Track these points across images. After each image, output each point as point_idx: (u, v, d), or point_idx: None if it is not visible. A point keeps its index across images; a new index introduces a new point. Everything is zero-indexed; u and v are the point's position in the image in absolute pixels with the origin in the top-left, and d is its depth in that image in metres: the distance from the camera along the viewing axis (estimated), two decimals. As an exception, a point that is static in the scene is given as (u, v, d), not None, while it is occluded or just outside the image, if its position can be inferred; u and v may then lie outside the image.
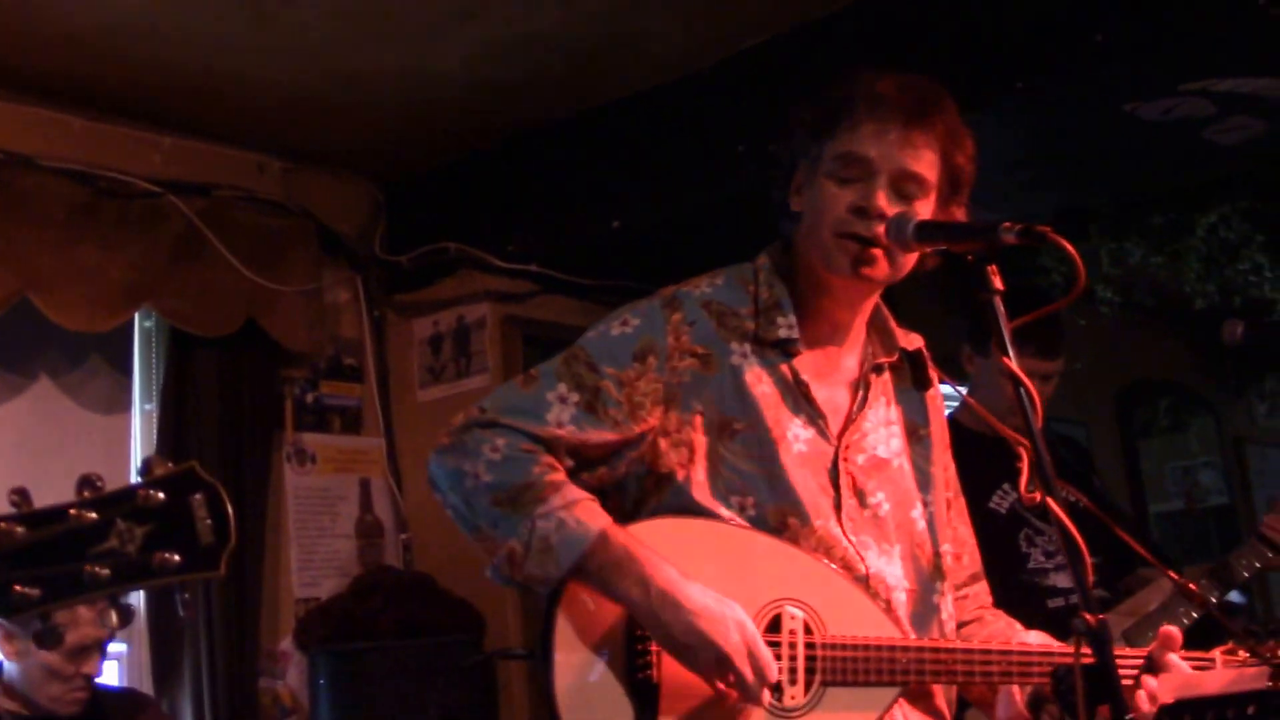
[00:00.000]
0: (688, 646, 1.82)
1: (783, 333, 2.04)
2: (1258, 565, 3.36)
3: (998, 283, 1.77)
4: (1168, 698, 1.99)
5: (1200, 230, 5.31)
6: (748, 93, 4.02)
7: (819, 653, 1.90)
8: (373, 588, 4.24)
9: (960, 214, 2.07)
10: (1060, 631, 2.35)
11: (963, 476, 3.02)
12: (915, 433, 2.18)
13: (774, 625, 1.90)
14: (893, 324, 2.21)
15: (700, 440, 1.99)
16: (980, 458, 3.50)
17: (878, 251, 1.96)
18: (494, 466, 1.91)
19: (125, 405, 4.30)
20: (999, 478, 3.52)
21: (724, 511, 1.97)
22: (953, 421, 3.67)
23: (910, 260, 1.99)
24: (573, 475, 1.98)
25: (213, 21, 3.68)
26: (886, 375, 2.19)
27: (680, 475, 2.00)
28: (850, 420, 2.07)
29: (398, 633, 4.07)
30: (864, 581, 1.98)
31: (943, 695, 2.08)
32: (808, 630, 1.91)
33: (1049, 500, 1.72)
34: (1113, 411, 7.58)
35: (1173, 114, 3.62)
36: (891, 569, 2.03)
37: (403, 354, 4.85)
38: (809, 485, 1.99)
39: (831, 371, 2.10)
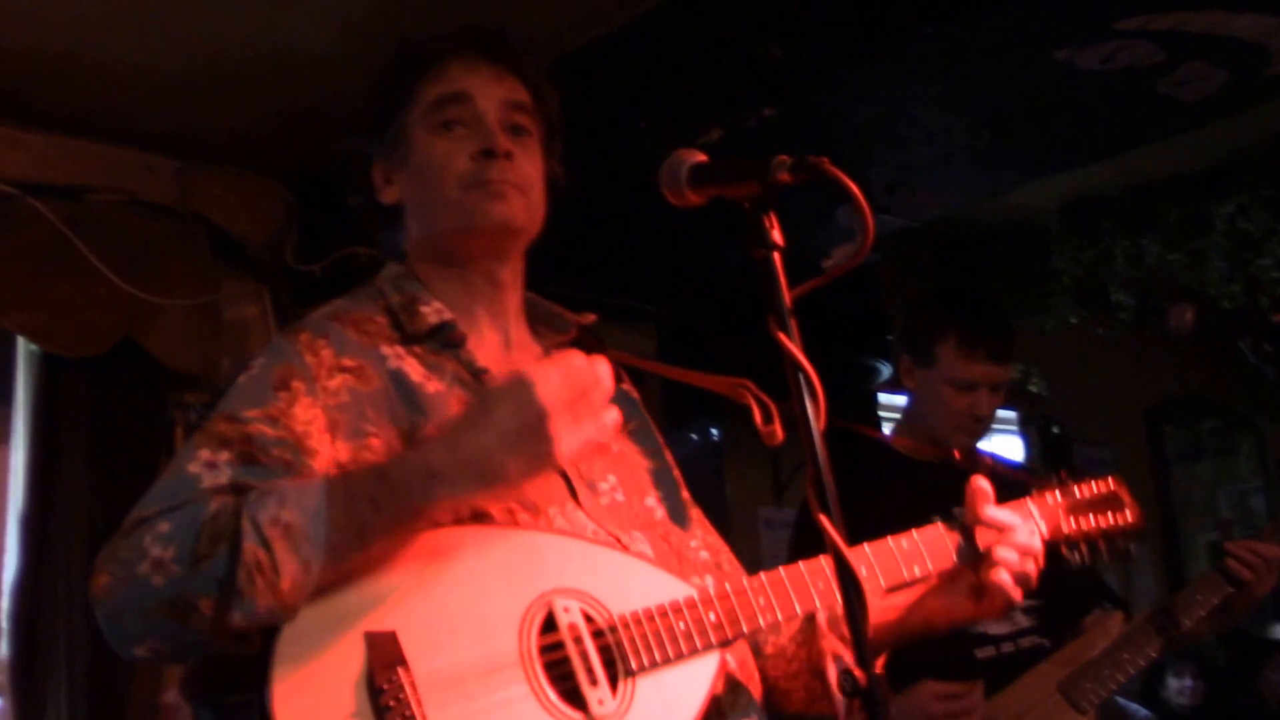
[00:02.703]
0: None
1: (433, 319, 1.80)
2: (1214, 601, 2.84)
3: (776, 236, 1.51)
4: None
5: (1220, 222, 4.74)
6: (652, 61, 3.60)
7: (611, 639, 1.58)
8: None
9: (557, 170, 1.94)
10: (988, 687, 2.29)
11: (894, 508, 2.76)
12: (628, 423, 1.91)
13: (548, 626, 1.56)
14: (557, 306, 1.99)
15: None
16: (914, 486, 3.15)
17: (512, 190, 1.80)
18: (169, 539, 1.46)
19: (4, 437, 3.85)
20: (928, 508, 3.12)
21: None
22: (883, 446, 3.29)
23: (542, 200, 1.85)
24: None
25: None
26: None
27: None
28: None
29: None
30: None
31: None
32: (589, 620, 1.58)
33: (822, 520, 1.46)
34: (1142, 432, 6.99)
35: (1114, 63, 3.08)
36: (635, 546, 1.76)
37: (317, 374, 4.33)
38: None
39: (502, 358, 1.84)
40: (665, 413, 4.61)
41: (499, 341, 1.86)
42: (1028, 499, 2.11)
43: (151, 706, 3.80)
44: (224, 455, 1.55)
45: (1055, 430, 6.42)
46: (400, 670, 1.44)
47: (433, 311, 1.80)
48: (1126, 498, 2.21)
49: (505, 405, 1.50)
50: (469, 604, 1.52)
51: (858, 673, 1.41)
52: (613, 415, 1.55)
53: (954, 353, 3.11)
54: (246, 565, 1.42)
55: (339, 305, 1.83)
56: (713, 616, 1.65)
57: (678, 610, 1.63)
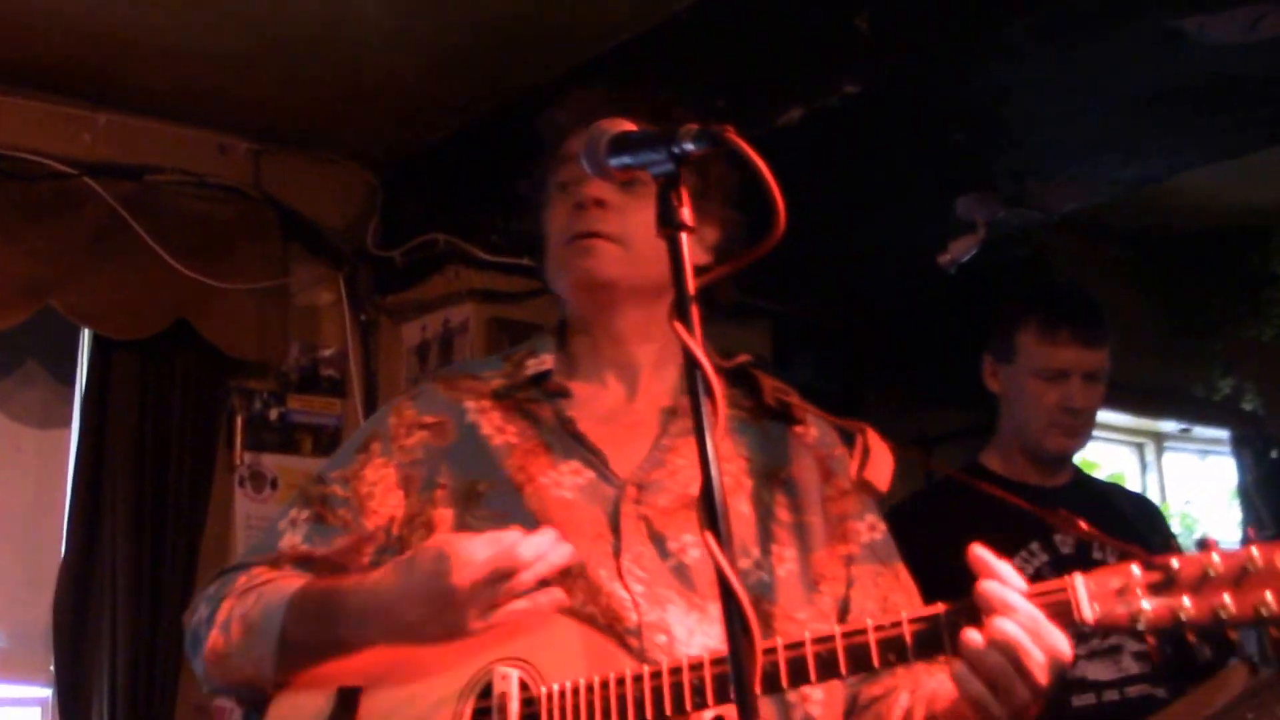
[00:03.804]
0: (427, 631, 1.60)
1: (531, 369, 1.84)
2: None
3: (686, 215, 1.35)
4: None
5: None
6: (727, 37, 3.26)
7: (540, 709, 1.57)
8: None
9: (723, 218, 1.85)
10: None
11: (984, 537, 2.59)
12: (772, 475, 1.80)
13: (486, 692, 1.60)
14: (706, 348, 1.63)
15: (443, 515, 1.75)
16: (1003, 511, 2.77)
17: (598, 242, 1.75)
18: (209, 599, 1.80)
19: (65, 420, 3.80)
20: (1026, 535, 2.79)
21: None
22: (978, 468, 2.88)
23: (655, 248, 1.42)
24: None
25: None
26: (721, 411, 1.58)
27: None
28: (648, 455, 1.76)
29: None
30: (634, 633, 1.62)
31: None
32: (524, 687, 1.59)
33: (708, 541, 1.23)
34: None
35: (1259, 31, 2.50)
36: (703, 628, 1.64)
37: (392, 365, 4.14)
38: (574, 531, 1.67)
39: (623, 411, 1.83)
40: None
41: (623, 394, 1.84)
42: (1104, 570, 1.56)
43: (201, 709, 3.69)
44: (304, 514, 1.81)
45: (1276, 455, 5.64)
46: None
47: (537, 362, 1.84)
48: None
49: (420, 574, 1.59)
50: (428, 665, 1.62)
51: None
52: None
53: (1035, 339, 2.83)
54: (210, 646, 1.75)
55: (457, 368, 2.00)
56: (637, 694, 1.54)
57: (604, 685, 1.56)
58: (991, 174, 3.53)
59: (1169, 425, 5.84)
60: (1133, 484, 5.61)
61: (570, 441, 1.77)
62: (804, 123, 3.26)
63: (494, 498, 1.73)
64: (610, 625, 1.63)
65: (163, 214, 3.70)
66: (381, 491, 1.79)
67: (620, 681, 1.56)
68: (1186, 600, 1.44)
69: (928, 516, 2.94)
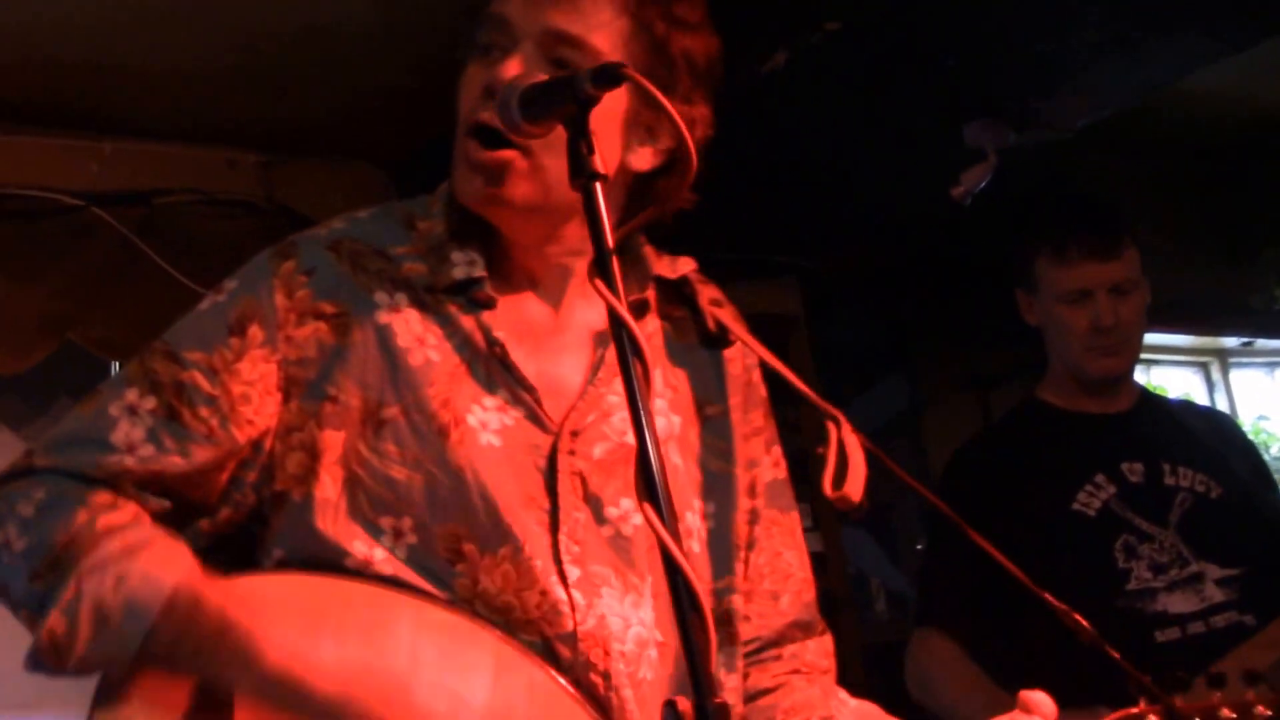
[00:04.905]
0: None
1: (459, 272, 1.52)
2: None
3: (596, 163, 1.30)
4: None
5: None
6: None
7: None
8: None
9: (701, 116, 1.59)
10: (1169, 677, 1.72)
11: (1044, 469, 2.75)
12: (701, 409, 1.63)
13: None
14: (648, 251, 1.67)
15: (331, 439, 1.44)
16: (1064, 444, 2.80)
17: (505, 155, 1.47)
18: (28, 527, 1.38)
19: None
20: (1090, 466, 2.74)
21: (358, 546, 1.41)
22: (1036, 404, 2.84)
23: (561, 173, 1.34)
24: (179, 522, 1.44)
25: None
26: (650, 328, 1.62)
27: (297, 494, 1.44)
28: (582, 395, 1.52)
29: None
30: (566, 640, 1.41)
31: None
32: None
33: (645, 511, 1.16)
34: None
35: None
36: (639, 613, 1.46)
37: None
38: (506, 493, 1.44)
39: (549, 333, 1.57)
40: (821, 375, 4.15)
41: (548, 311, 1.59)
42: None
43: None
44: (149, 403, 1.45)
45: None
46: None
47: (464, 262, 1.54)
48: None
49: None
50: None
51: (681, 702, 1.10)
52: None
53: (1050, 264, 2.78)
54: (49, 623, 1.33)
55: (350, 227, 1.59)
56: None
57: None
58: (994, 97, 3.44)
59: (1231, 341, 5.68)
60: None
61: (498, 370, 1.50)
62: (791, 67, 3.20)
63: (405, 433, 1.45)
64: (539, 624, 1.42)
65: (175, 236, 3.73)
66: (259, 394, 1.46)
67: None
68: None
69: (988, 461, 2.89)
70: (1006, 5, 3.05)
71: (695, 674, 1.12)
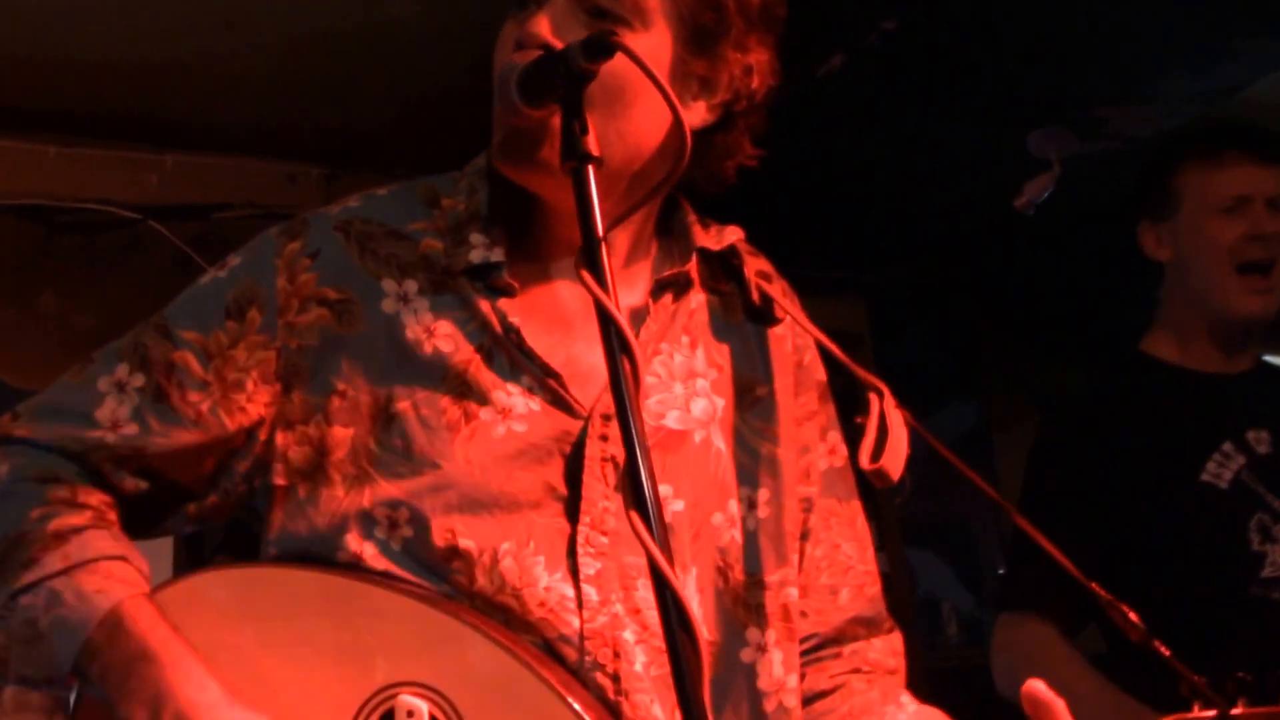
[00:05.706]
0: None
1: (476, 255, 1.43)
2: None
3: (591, 143, 1.23)
4: None
5: None
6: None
7: None
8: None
9: (759, 62, 1.49)
10: (1232, 680, 1.52)
11: (1160, 436, 2.43)
12: (748, 391, 1.52)
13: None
14: (693, 221, 1.56)
15: (340, 436, 1.38)
16: (1183, 405, 2.49)
17: (541, 114, 1.34)
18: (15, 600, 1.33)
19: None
20: (1216, 433, 2.44)
21: (350, 541, 1.35)
22: (1143, 359, 2.53)
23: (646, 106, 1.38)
24: (163, 505, 1.42)
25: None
26: (694, 304, 1.52)
27: (301, 490, 1.38)
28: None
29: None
30: (571, 641, 1.32)
31: None
32: None
33: (632, 521, 1.09)
34: None
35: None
36: None
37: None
38: (515, 488, 1.36)
39: (580, 315, 1.46)
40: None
41: (580, 291, 1.42)
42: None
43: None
44: (138, 380, 1.41)
45: None
46: None
47: (481, 245, 1.45)
48: None
49: None
50: (304, 687, 1.30)
51: None
52: None
53: (1199, 171, 2.48)
54: None
55: (363, 206, 1.51)
56: None
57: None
58: (1058, 104, 3.34)
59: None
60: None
61: (519, 358, 1.42)
62: (847, 69, 3.13)
63: (414, 427, 1.38)
64: (539, 626, 1.34)
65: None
66: (254, 382, 1.41)
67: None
68: None
69: (1096, 421, 2.56)
70: (1074, 8, 2.96)
71: (684, 701, 1.04)
